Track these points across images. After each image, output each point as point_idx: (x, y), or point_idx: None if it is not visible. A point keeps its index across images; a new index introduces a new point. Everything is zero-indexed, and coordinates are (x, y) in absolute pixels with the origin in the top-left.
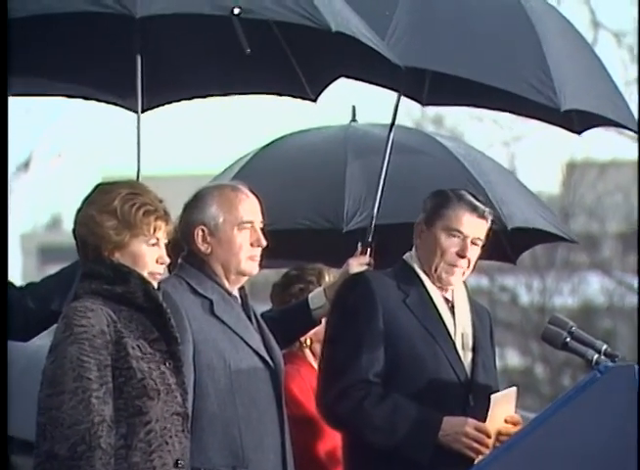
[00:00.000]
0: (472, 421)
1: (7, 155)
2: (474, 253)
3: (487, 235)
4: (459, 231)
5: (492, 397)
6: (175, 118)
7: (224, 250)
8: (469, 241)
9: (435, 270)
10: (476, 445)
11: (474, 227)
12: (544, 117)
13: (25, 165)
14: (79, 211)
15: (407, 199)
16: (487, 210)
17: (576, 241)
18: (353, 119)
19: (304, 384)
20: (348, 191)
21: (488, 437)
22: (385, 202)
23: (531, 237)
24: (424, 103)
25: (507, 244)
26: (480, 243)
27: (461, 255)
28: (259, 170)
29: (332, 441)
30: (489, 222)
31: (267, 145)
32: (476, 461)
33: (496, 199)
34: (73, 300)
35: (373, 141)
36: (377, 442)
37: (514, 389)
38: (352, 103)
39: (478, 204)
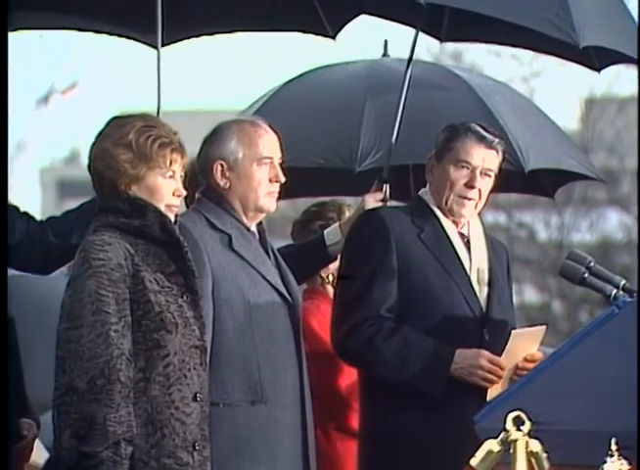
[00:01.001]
0: (485, 353)
1: (6, 148)
2: (484, 184)
3: (500, 166)
4: (467, 162)
5: (513, 332)
6: (195, 54)
7: (243, 185)
8: (478, 172)
9: (446, 203)
10: (490, 376)
11: (483, 158)
12: (563, 53)
13: (45, 99)
14: (93, 145)
15: (426, 139)
16: (497, 140)
17: (604, 180)
18: (385, 54)
19: (324, 320)
20: (365, 130)
21: (502, 369)
22: (403, 141)
23: (563, 175)
24: (443, 39)
25: (544, 179)
26: (492, 174)
27: (470, 185)
28: (280, 106)
29: (351, 376)
30: (500, 153)
31: (291, 80)
32: (488, 396)
33: (516, 138)
34: (91, 233)
35: (395, 78)
36: (389, 376)
37: (542, 328)
38: (386, 39)
39: (486, 134)
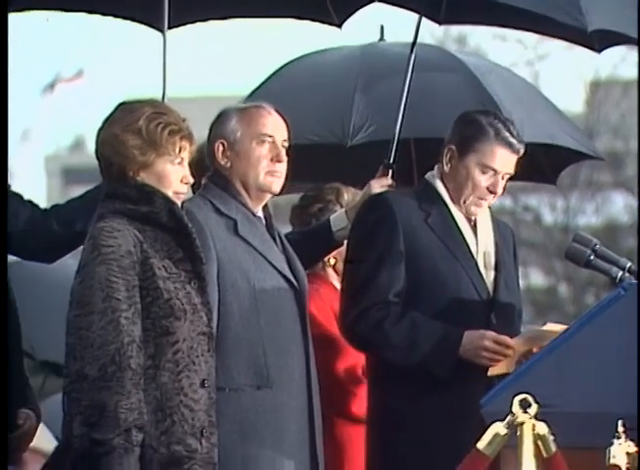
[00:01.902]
0: (490, 334)
1: (7, 145)
2: (503, 185)
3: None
4: (492, 168)
5: (547, 325)
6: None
7: (242, 163)
8: (500, 176)
9: (465, 202)
10: (497, 357)
11: (506, 163)
12: (564, 35)
13: (51, 87)
14: (101, 130)
15: (420, 115)
16: (521, 145)
17: (603, 158)
18: (381, 39)
19: (323, 304)
20: (357, 106)
21: (509, 348)
22: (394, 117)
23: (563, 156)
24: (441, 22)
25: (545, 164)
26: (508, 176)
27: (492, 190)
28: (275, 88)
29: (350, 360)
30: (521, 154)
31: (286, 64)
32: (490, 371)
33: (510, 114)
34: (98, 219)
35: (389, 58)
36: (397, 360)
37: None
38: (382, 24)
39: (513, 140)
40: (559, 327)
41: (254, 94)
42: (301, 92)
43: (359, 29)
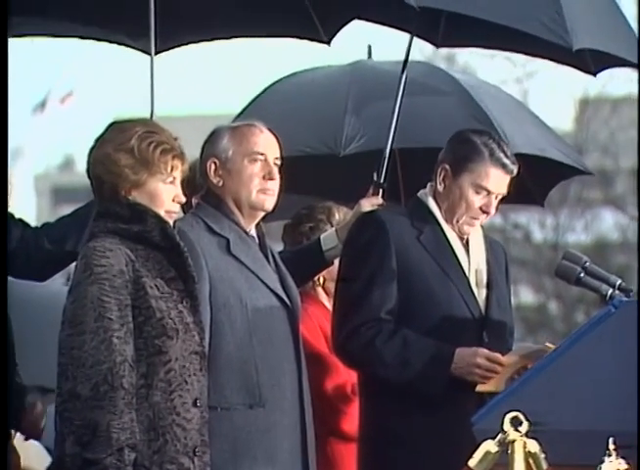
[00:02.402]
0: (482, 351)
1: (6, 151)
2: (495, 206)
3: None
4: (486, 189)
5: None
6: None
7: (234, 181)
8: (493, 197)
9: (457, 221)
10: (489, 374)
11: (500, 184)
12: (559, 57)
13: (42, 107)
14: (92, 149)
15: (408, 127)
16: (515, 166)
17: (592, 173)
18: (369, 58)
19: (312, 323)
20: (349, 118)
21: (501, 365)
22: (385, 127)
23: (552, 174)
24: (439, 45)
25: (532, 186)
26: (501, 196)
27: (485, 211)
28: (265, 105)
29: (339, 378)
30: (514, 174)
31: (277, 81)
32: (478, 388)
33: (501, 126)
34: (89, 239)
35: (378, 74)
36: (389, 378)
37: None
38: (370, 44)
39: (507, 161)
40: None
41: (246, 111)
42: (293, 106)
43: (347, 49)
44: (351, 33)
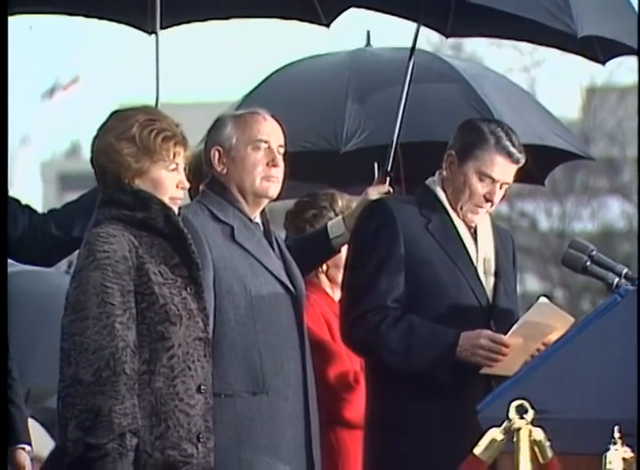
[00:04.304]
0: (485, 332)
1: (6, 147)
2: (500, 195)
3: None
4: (491, 176)
5: (525, 319)
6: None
7: (238, 169)
8: (498, 185)
9: (461, 208)
10: (493, 355)
11: (505, 173)
12: (568, 46)
13: (50, 94)
14: (95, 138)
15: (410, 118)
16: (522, 155)
17: (594, 158)
18: (368, 45)
19: (314, 311)
20: (349, 112)
21: (506, 347)
22: (386, 122)
23: (552, 158)
24: (448, 34)
25: (533, 166)
26: (507, 186)
27: (489, 199)
28: (265, 95)
29: (341, 366)
30: (521, 164)
31: (276, 71)
32: (484, 370)
33: (501, 115)
34: (94, 226)
35: (379, 64)
36: (395, 363)
37: (570, 319)
38: (369, 29)
39: (513, 150)
40: (552, 307)
41: (245, 101)
42: (293, 101)
43: (345, 34)
44: (350, 19)
